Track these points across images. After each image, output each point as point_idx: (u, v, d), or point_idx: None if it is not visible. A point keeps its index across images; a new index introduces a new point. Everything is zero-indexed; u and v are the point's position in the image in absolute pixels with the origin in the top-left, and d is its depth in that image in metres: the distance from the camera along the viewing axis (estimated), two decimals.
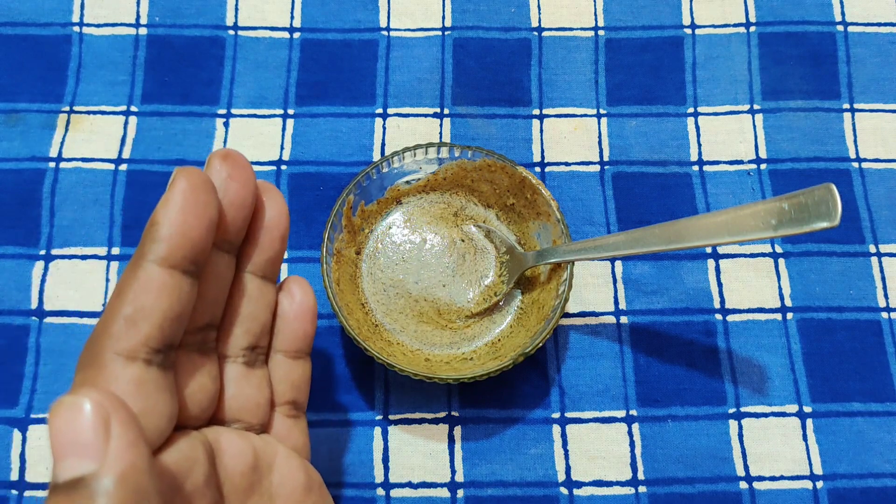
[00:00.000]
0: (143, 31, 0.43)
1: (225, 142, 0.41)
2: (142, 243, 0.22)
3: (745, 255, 0.39)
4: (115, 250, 0.39)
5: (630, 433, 0.36)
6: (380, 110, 0.42)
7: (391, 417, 0.36)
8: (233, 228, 0.24)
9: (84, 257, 0.38)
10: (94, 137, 0.41)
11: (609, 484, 0.35)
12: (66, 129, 0.41)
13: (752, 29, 0.44)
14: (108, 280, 0.38)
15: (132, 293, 0.21)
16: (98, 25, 0.43)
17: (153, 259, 0.21)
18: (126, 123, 0.41)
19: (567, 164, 0.41)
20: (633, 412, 0.36)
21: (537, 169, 0.41)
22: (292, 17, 0.44)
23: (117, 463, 0.17)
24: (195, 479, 0.22)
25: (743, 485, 0.35)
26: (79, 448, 0.17)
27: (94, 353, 0.21)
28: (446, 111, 0.42)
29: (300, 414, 0.28)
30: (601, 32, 0.44)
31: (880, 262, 0.39)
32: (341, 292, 0.35)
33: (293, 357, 0.28)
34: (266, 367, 0.27)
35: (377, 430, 0.36)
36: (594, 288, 0.39)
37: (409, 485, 0.35)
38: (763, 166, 0.41)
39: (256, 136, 0.41)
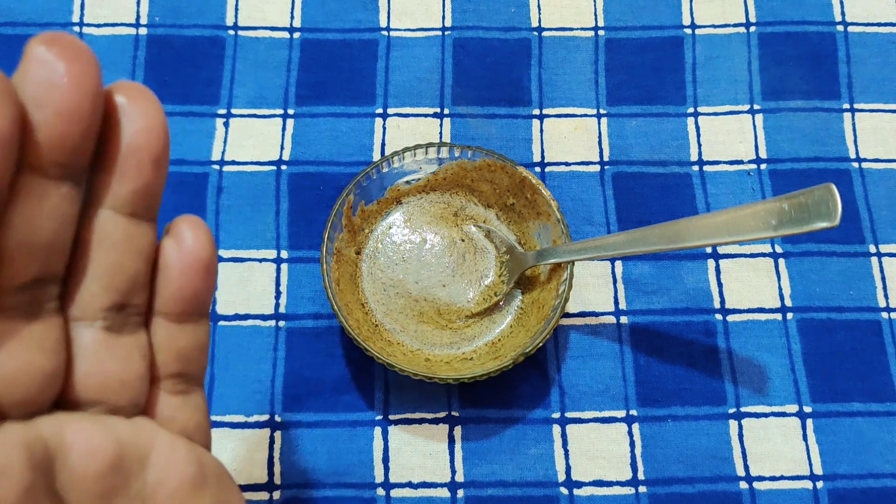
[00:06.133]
0: (143, 31, 0.43)
1: (225, 142, 0.41)
2: None
3: (745, 255, 0.39)
4: None
5: (630, 433, 0.36)
6: (380, 110, 0.42)
7: (391, 417, 0.36)
8: (64, 145, 0.17)
9: None
10: None
11: (609, 484, 0.35)
12: None
13: (752, 29, 0.44)
14: None
15: None
16: (98, 25, 0.43)
17: None
18: None
19: (567, 164, 0.41)
20: (633, 412, 0.36)
21: (537, 169, 0.41)
22: (292, 17, 0.44)
23: None
24: (2, 494, 0.17)
25: (743, 485, 0.35)
26: None
27: None
28: (446, 111, 0.42)
29: (192, 388, 0.22)
30: (601, 32, 0.44)
31: (880, 262, 0.39)
32: (341, 292, 0.35)
33: (178, 321, 0.21)
34: (143, 332, 0.21)
35: (377, 430, 0.36)
36: (594, 288, 0.39)
37: (409, 485, 0.35)
38: (763, 166, 0.41)
39: (256, 136, 0.41)
